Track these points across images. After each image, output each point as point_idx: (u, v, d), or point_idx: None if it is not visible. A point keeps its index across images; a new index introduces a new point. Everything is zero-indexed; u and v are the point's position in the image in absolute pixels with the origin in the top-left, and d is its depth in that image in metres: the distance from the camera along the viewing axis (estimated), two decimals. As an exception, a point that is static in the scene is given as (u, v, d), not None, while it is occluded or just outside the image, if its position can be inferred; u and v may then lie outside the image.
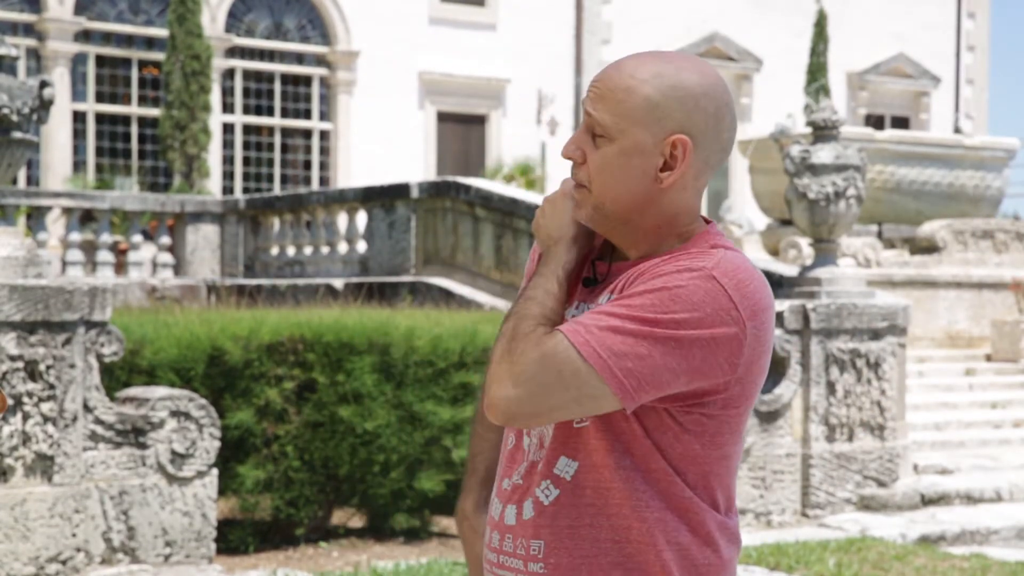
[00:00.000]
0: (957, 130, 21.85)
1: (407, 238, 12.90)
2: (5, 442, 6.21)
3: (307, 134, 24.91)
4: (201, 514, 6.72)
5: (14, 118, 6.59)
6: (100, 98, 22.90)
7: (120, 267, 15.75)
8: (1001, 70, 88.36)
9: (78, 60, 22.60)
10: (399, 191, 13.08)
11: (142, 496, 6.57)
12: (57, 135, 22.14)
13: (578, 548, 2.02)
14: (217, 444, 6.77)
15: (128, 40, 23.12)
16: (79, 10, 22.47)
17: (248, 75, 24.25)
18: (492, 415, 1.96)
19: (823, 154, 9.34)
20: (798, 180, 9.35)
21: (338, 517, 8.10)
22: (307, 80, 24.83)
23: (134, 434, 6.57)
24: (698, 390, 1.98)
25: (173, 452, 6.63)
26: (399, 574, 6.68)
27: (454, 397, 7.75)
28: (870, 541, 7.89)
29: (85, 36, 22.63)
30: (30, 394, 6.26)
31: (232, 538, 7.49)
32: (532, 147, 25.86)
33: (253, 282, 14.08)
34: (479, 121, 26.16)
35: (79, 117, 22.70)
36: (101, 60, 22.91)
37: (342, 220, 14.18)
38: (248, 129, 24.31)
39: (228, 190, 23.51)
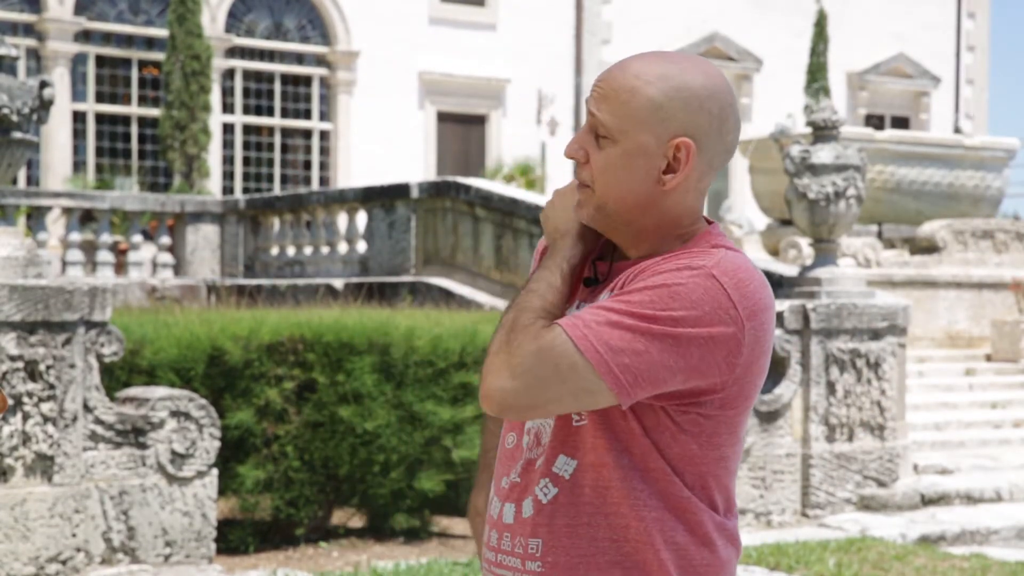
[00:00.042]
0: (957, 130, 21.84)
1: (407, 238, 12.89)
2: (5, 442, 6.20)
3: (307, 134, 24.91)
4: (201, 514, 6.72)
5: (14, 118, 6.59)
6: (100, 98, 22.90)
7: (120, 267, 15.75)
8: (1001, 70, 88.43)
9: (78, 60, 22.59)
10: (399, 191, 13.08)
11: (142, 496, 6.57)
12: (57, 135, 22.14)
13: (576, 547, 2.02)
14: (217, 444, 6.77)
15: (128, 40, 23.11)
16: (79, 10, 22.47)
17: (248, 75, 24.25)
18: (487, 406, 1.96)
19: (823, 154, 9.34)
20: (798, 180, 9.34)
21: (338, 517, 8.10)
22: (307, 80, 24.83)
23: (134, 434, 6.57)
24: (695, 389, 1.97)
25: (173, 452, 6.63)
26: (399, 574, 6.68)
27: (454, 397, 7.74)
28: (870, 541, 7.89)
29: (85, 36, 22.63)
30: (30, 394, 6.26)
31: (232, 538, 7.49)
32: (532, 147, 25.85)
33: (253, 282, 14.08)
34: (479, 121, 26.15)
35: (79, 117, 22.69)
36: (101, 60, 22.91)
37: (342, 220, 14.17)
38: (248, 129, 24.31)
39: (228, 190, 23.50)
